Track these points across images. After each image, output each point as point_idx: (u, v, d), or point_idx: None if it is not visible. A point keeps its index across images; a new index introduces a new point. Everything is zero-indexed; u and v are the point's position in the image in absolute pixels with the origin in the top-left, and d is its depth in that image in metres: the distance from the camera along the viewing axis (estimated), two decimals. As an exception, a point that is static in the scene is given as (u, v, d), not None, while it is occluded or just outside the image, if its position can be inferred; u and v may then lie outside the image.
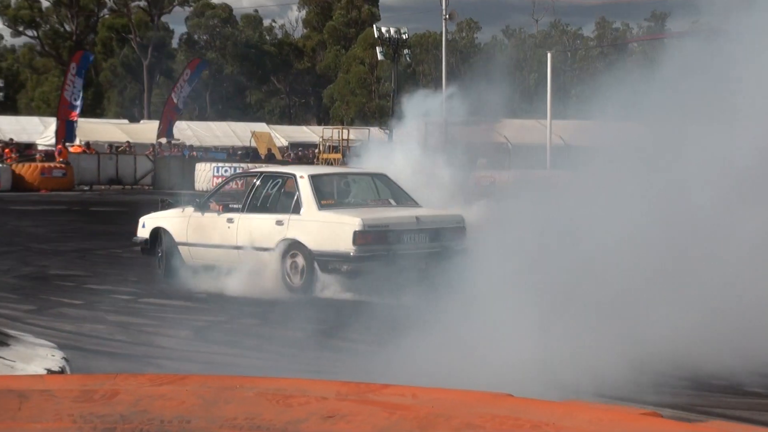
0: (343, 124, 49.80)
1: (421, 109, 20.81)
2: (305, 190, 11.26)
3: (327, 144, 39.17)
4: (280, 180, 11.87)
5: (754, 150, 7.67)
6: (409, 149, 18.20)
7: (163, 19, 75.84)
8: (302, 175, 11.56)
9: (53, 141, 39.59)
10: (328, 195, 11.65)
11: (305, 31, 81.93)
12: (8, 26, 74.10)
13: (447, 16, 37.41)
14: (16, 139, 44.37)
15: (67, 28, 74.80)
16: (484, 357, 6.41)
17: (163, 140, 42.11)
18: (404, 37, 43.53)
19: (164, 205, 12.97)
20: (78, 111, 40.10)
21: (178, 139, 44.28)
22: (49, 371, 3.70)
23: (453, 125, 24.39)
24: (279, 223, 11.25)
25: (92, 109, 66.97)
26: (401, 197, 12.16)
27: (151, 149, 40.73)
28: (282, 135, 54.25)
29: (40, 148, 42.87)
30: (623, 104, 8.45)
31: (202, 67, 47.85)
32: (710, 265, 7.37)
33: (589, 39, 78.72)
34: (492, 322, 6.88)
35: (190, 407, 2.20)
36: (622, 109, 8.58)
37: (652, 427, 1.99)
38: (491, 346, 6.57)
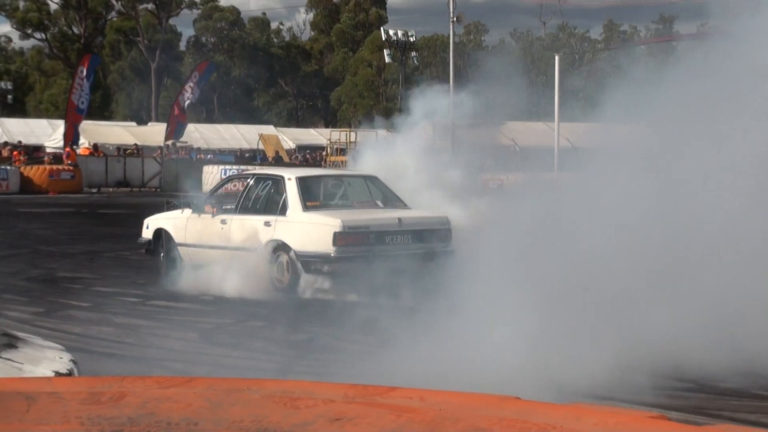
0: (350, 127, 49.76)
1: (428, 108, 20.66)
2: (292, 192, 11.36)
3: (334, 146, 39.15)
4: (270, 182, 11.93)
5: (761, 153, 7.65)
6: (413, 151, 18.11)
7: (171, 21, 76.03)
8: (290, 177, 11.65)
9: (61, 143, 39.64)
10: (314, 197, 11.69)
11: (313, 33, 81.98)
12: (17, 29, 74.29)
13: (455, 19, 37.43)
14: (24, 141, 44.52)
15: (76, 30, 74.92)
16: (472, 359, 6.38)
17: (170, 143, 42.10)
18: (412, 40, 43.54)
19: (169, 207, 13.05)
20: (83, 114, 40.12)
21: (185, 141, 44.24)
22: (57, 373, 3.70)
23: (460, 128, 24.34)
24: (267, 224, 11.34)
25: (100, 112, 67.12)
26: (390, 199, 12.19)
27: (159, 152, 40.77)
28: (289, 137, 54.26)
29: (48, 150, 42.89)
30: (631, 107, 8.45)
31: (210, 69, 47.80)
32: (716, 267, 7.35)
33: (597, 42, 78.64)
34: (474, 324, 6.87)
35: (197, 409, 2.20)
36: (629, 112, 8.57)
37: (660, 430, 1.99)
38: (477, 348, 6.55)
